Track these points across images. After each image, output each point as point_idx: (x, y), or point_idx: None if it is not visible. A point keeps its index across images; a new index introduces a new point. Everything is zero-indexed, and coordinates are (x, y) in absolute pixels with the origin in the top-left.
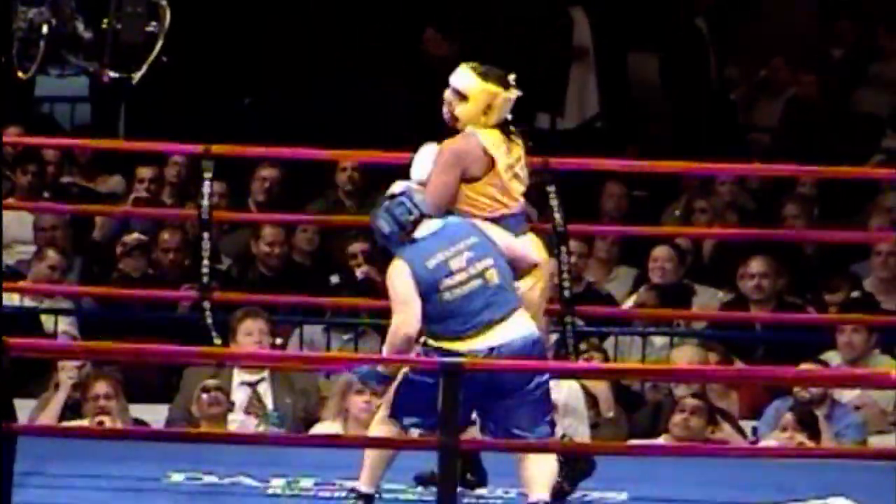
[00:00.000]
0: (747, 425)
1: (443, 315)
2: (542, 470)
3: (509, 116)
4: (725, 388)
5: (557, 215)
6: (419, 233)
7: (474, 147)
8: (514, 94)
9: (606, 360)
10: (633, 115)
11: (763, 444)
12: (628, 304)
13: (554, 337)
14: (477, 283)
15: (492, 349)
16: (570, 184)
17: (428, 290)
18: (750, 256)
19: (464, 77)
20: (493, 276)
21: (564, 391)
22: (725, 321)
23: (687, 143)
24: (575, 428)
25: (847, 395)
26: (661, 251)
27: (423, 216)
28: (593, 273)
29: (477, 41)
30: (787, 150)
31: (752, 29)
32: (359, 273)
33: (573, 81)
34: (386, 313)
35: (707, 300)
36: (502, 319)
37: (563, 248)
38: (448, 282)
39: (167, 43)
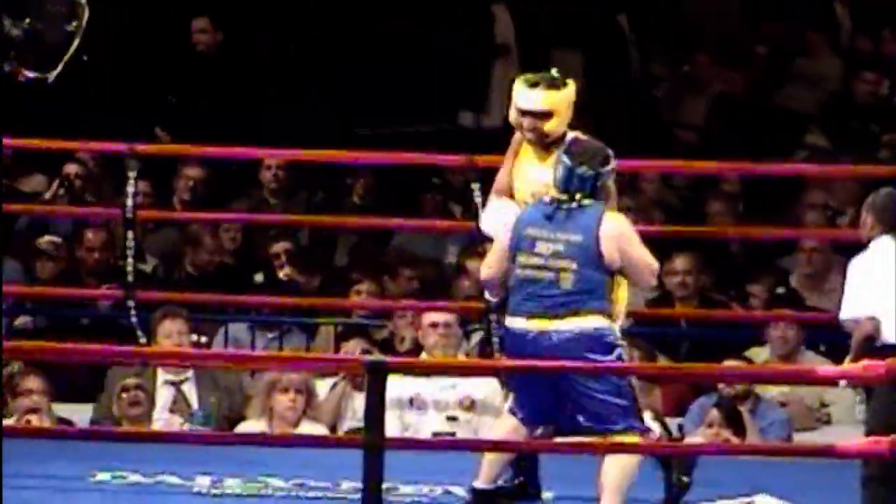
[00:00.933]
0: (672, 422)
1: (512, 285)
2: (607, 473)
3: None
4: (647, 385)
5: (482, 213)
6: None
7: None
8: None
9: None
10: None
11: (689, 440)
12: None
13: (478, 336)
14: (547, 276)
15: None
16: (494, 181)
17: (511, 253)
18: (674, 254)
19: (534, 96)
20: (567, 280)
21: (482, 388)
22: (650, 318)
23: (611, 141)
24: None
25: (773, 392)
26: None
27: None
28: None
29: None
30: (711, 147)
31: (676, 26)
32: (282, 274)
33: (497, 79)
34: (310, 312)
35: (632, 297)
36: (554, 317)
37: (488, 247)
38: (522, 259)
39: (91, 41)
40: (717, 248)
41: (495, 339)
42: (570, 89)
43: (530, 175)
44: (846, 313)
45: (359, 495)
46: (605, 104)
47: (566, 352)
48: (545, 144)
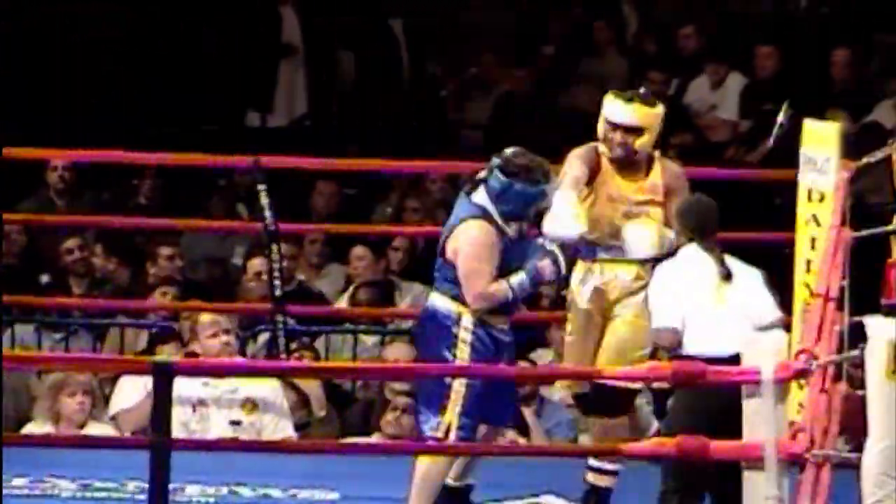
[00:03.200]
0: None
1: None
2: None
3: None
4: None
5: (268, 214)
6: None
7: None
8: None
9: (317, 358)
10: (342, 113)
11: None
12: (340, 302)
13: (265, 336)
14: None
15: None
16: (280, 182)
17: None
18: None
19: (630, 111)
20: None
21: (263, 389)
22: None
23: (395, 142)
24: (276, 425)
25: (558, 393)
26: (357, 250)
27: None
28: (304, 272)
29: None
30: (497, 147)
31: (461, 26)
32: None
33: (283, 79)
34: (100, 313)
35: (418, 298)
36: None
37: (275, 247)
38: None
39: None
40: None
41: (281, 340)
42: (660, 108)
43: (621, 193)
44: (653, 323)
45: (145, 495)
46: (381, 105)
47: (423, 328)
48: (630, 162)
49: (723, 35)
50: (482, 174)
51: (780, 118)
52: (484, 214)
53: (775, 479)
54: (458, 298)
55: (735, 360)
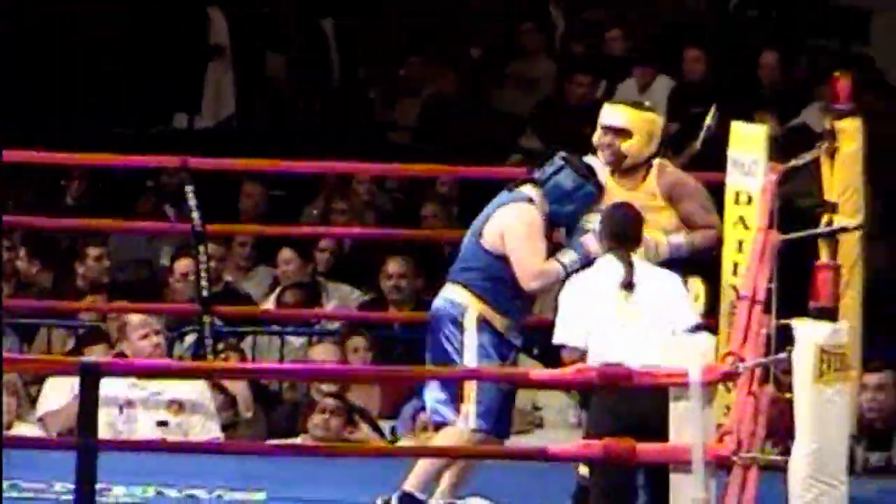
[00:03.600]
0: (386, 425)
1: None
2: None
3: None
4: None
5: (195, 215)
6: None
7: None
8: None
9: (244, 359)
10: (270, 114)
11: (402, 443)
12: (267, 303)
13: (191, 337)
14: None
15: None
16: (208, 184)
17: None
18: (388, 257)
19: (617, 112)
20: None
21: (189, 388)
22: (364, 320)
23: (323, 143)
24: (202, 425)
25: None
26: (285, 253)
27: None
28: (232, 273)
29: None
30: (425, 149)
31: (389, 28)
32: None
33: (210, 81)
34: (27, 314)
35: (345, 299)
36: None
37: (202, 249)
38: None
39: None
40: (432, 251)
41: (208, 341)
42: (653, 115)
43: (616, 200)
44: (557, 338)
45: (72, 496)
46: (311, 106)
47: (432, 329)
48: (622, 169)
49: (651, 38)
50: (539, 174)
51: (708, 121)
52: (529, 201)
53: (703, 482)
54: (470, 288)
55: None
